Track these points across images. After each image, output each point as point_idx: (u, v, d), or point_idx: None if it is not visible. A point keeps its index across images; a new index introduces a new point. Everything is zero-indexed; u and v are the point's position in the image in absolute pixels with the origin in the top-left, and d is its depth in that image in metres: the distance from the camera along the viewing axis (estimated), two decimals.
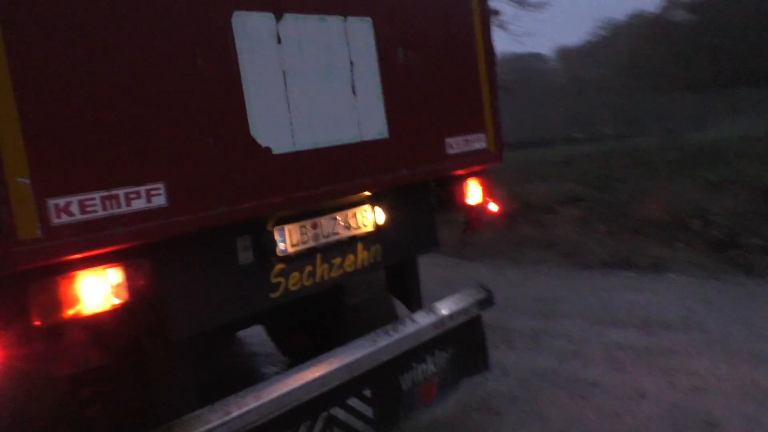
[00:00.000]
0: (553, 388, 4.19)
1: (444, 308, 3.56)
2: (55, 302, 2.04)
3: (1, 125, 1.86)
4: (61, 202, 1.97)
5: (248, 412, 2.56)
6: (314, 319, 4.06)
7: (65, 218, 1.98)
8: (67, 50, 2.02)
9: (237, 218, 2.49)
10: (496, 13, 15.30)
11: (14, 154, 1.88)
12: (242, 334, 5.24)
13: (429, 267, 7.57)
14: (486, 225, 4.04)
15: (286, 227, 2.84)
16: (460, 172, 3.59)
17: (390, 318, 3.70)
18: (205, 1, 2.38)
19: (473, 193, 3.81)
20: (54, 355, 2.09)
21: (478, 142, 3.62)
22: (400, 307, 3.90)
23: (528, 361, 4.64)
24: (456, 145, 3.46)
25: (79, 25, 2.05)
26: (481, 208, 3.89)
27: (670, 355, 4.56)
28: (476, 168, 3.68)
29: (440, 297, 3.57)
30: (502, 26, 15.83)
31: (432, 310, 3.53)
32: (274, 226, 2.79)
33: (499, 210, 3.96)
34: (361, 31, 2.95)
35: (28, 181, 1.90)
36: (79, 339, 2.13)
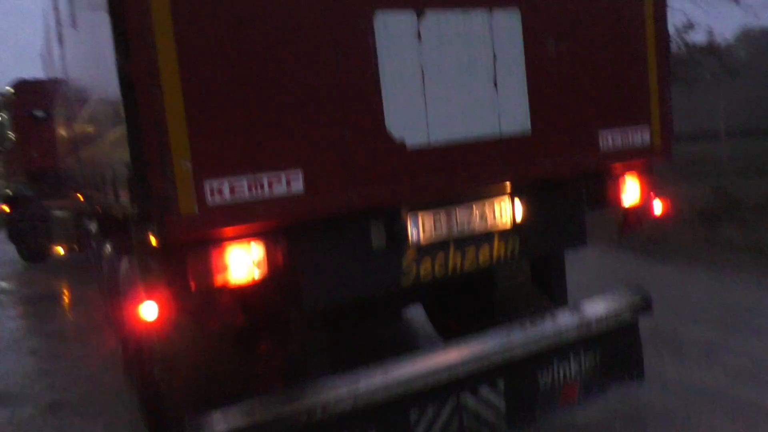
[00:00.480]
0: (715, 409, 3.79)
1: (592, 308, 3.42)
2: (207, 269, 2.42)
3: (171, 116, 2.23)
4: (216, 184, 2.32)
5: (375, 385, 2.75)
6: (467, 303, 4.14)
7: (217, 198, 2.32)
8: (228, 52, 2.33)
9: (368, 205, 2.68)
10: None
11: (180, 140, 2.25)
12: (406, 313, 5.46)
13: (608, 263, 7.19)
14: (681, 223, 3.76)
15: (421, 216, 2.95)
16: (616, 166, 3.40)
17: (535, 311, 3.65)
18: (349, 3, 2.57)
19: (632, 189, 3.58)
20: (204, 313, 2.48)
21: (640, 134, 3.38)
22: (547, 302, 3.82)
23: (694, 376, 4.24)
24: (612, 138, 3.28)
25: (239, 29, 2.35)
26: (642, 206, 3.64)
27: None
28: (636, 163, 3.44)
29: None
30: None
31: (578, 309, 3.41)
32: (408, 215, 2.92)
33: (663, 210, 3.68)
34: (507, 23, 2.92)
35: (189, 164, 2.27)
36: (225, 302, 2.50)
